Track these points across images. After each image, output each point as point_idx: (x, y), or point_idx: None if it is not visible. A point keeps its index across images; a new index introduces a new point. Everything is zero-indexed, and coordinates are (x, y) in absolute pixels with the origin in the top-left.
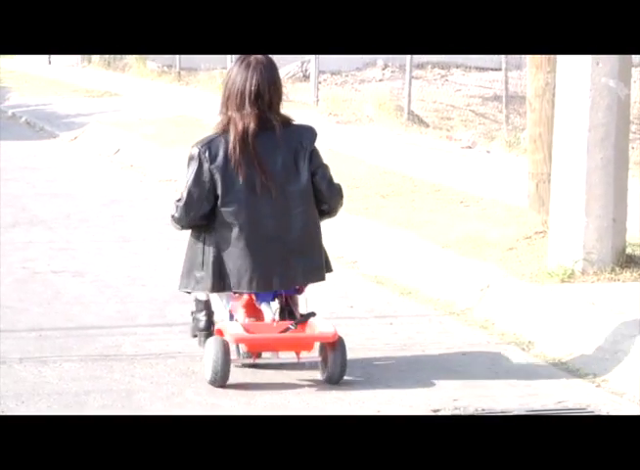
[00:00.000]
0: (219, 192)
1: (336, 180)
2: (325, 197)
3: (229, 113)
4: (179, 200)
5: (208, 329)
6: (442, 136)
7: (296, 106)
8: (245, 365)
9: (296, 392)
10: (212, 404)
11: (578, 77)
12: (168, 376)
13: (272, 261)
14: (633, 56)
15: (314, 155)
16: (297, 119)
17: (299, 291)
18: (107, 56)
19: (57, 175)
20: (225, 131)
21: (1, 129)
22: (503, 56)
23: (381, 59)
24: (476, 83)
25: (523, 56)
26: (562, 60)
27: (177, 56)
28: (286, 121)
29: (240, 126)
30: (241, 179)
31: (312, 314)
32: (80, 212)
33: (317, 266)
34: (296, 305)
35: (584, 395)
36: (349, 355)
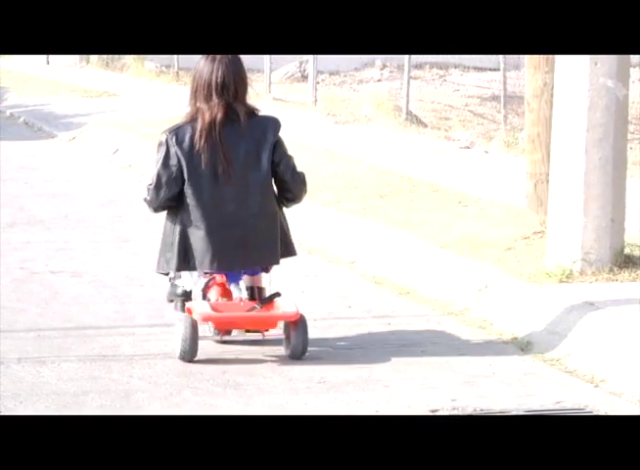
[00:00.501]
0: (185, 176)
1: (299, 170)
2: (289, 185)
3: (197, 104)
4: (150, 184)
5: (185, 295)
6: (441, 136)
7: (294, 106)
8: (215, 342)
9: (294, 392)
10: (210, 405)
11: (576, 77)
12: (167, 376)
13: (232, 243)
14: (631, 56)
15: (278, 145)
16: (297, 120)
17: (266, 271)
18: (105, 56)
19: (55, 175)
20: (193, 120)
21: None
22: (501, 56)
23: (379, 59)
24: (474, 83)
25: (521, 56)
26: (560, 60)
27: (175, 56)
28: (251, 112)
29: (207, 116)
30: (204, 165)
31: (277, 295)
32: (78, 213)
33: (274, 250)
34: (261, 286)
35: (582, 395)
36: (350, 355)
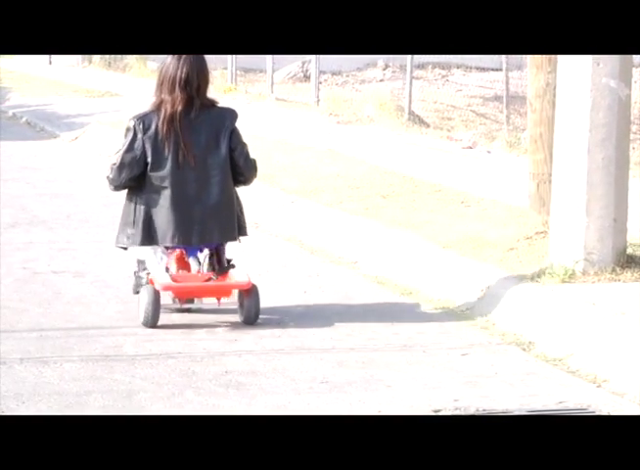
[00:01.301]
0: (149, 159)
1: (252, 156)
2: (242, 169)
3: (162, 95)
4: (114, 163)
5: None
6: (443, 136)
7: (296, 106)
8: (175, 310)
9: (296, 392)
10: (213, 405)
11: (579, 78)
12: (169, 376)
13: (192, 221)
14: (634, 56)
15: (234, 134)
16: (299, 120)
17: (233, 240)
18: (107, 56)
19: (57, 175)
20: (158, 110)
21: (1, 129)
22: (504, 56)
23: (381, 59)
24: (476, 83)
25: (523, 56)
26: (562, 60)
27: None
28: (211, 104)
29: (170, 107)
30: (167, 151)
31: (231, 266)
32: (81, 213)
33: (231, 227)
34: (220, 258)
35: (585, 395)
36: (353, 356)
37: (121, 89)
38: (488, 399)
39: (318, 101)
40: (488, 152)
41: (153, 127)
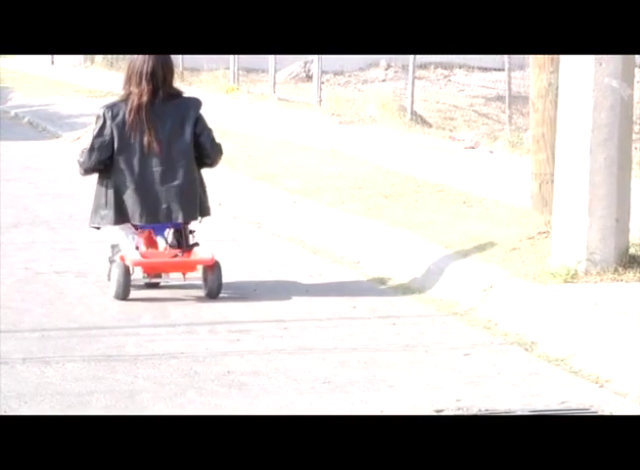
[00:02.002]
0: (116, 145)
1: (217, 141)
2: (209, 152)
3: (130, 88)
4: (85, 148)
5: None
6: (445, 136)
7: (298, 106)
8: (145, 285)
9: (299, 392)
10: (215, 405)
11: (581, 78)
12: (171, 376)
13: (158, 201)
14: (636, 56)
15: (199, 120)
16: (301, 120)
17: (187, 223)
18: (110, 56)
19: (59, 175)
20: (127, 100)
21: (4, 129)
22: (506, 56)
23: (384, 59)
24: (479, 83)
25: (525, 56)
26: (565, 60)
27: (180, 56)
28: (177, 94)
29: (137, 98)
30: (133, 137)
31: (196, 244)
32: (83, 213)
33: (194, 208)
34: (186, 237)
35: (587, 395)
36: (355, 356)
37: None
38: (491, 400)
39: (320, 101)
40: (491, 152)
41: (120, 115)
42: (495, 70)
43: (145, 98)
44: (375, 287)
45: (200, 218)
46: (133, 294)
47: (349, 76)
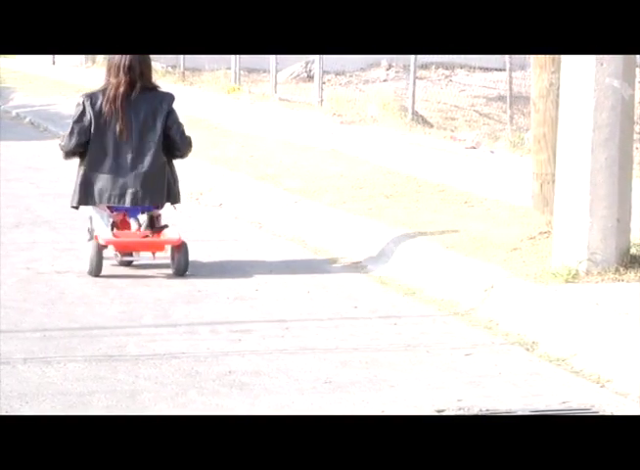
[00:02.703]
0: (92, 130)
1: (187, 134)
2: (178, 145)
3: (110, 79)
4: (65, 132)
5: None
6: (446, 136)
7: (300, 106)
8: (118, 263)
9: (300, 392)
10: (216, 405)
11: (582, 78)
12: (172, 376)
13: (126, 185)
14: (638, 56)
15: (171, 114)
16: (303, 120)
17: (159, 207)
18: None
19: (61, 175)
20: (106, 90)
21: (5, 130)
22: (507, 56)
23: (385, 59)
24: (480, 84)
25: (527, 56)
26: (566, 60)
27: (181, 56)
28: (152, 88)
29: (115, 89)
30: (108, 125)
31: (165, 226)
32: (84, 213)
33: (160, 194)
34: (157, 219)
35: (588, 395)
36: (356, 356)
37: None
38: (492, 399)
39: (321, 101)
40: (492, 152)
41: (98, 104)
42: (496, 70)
43: (122, 89)
44: (376, 287)
45: (174, 206)
46: (106, 271)
47: (351, 76)
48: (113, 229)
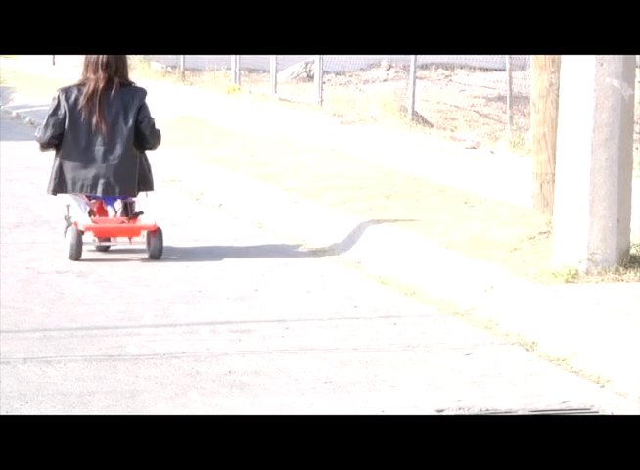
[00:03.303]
0: (67, 123)
1: (157, 127)
2: (148, 138)
3: (87, 75)
4: (41, 125)
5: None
6: (446, 136)
7: (300, 106)
8: (96, 248)
9: (300, 392)
10: (216, 405)
11: (582, 78)
12: (172, 376)
13: (98, 175)
14: (638, 56)
15: (143, 108)
16: (303, 120)
17: (133, 195)
18: None
19: None
20: (82, 85)
21: (5, 130)
22: (507, 56)
23: (385, 59)
24: (480, 84)
25: (527, 56)
26: (566, 60)
27: (181, 56)
28: (127, 83)
29: (93, 84)
30: (83, 118)
31: (141, 213)
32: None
33: (131, 184)
34: (132, 207)
35: (588, 395)
36: (356, 356)
37: None
38: (492, 399)
39: (322, 101)
40: (492, 152)
41: (74, 98)
42: (496, 70)
43: (100, 85)
44: (376, 287)
45: (146, 194)
46: (86, 255)
47: (351, 77)
48: (90, 216)
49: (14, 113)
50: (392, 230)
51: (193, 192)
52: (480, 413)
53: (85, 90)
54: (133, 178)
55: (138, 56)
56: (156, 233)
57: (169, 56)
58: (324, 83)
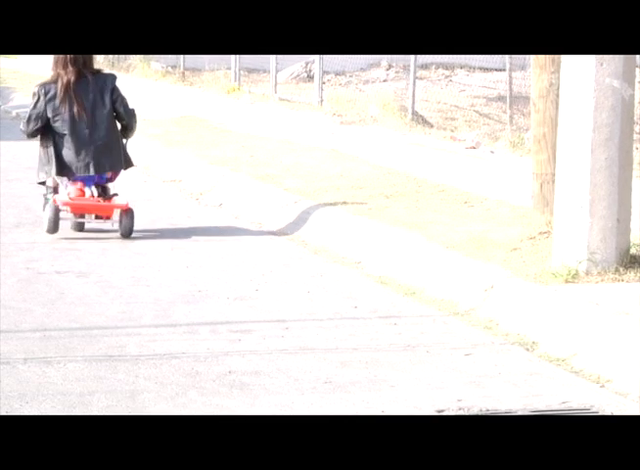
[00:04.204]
0: (50, 115)
1: (131, 107)
2: (123, 116)
3: (58, 70)
4: (24, 118)
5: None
6: (446, 136)
7: (300, 106)
8: (72, 225)
9: (300, 392)
10: (216, 405)
11: (582, 78)
12: (172, 376)
13: (87, 157)
14: (638, 56)
15: (115, 91)
16: (303, 120)
17: (111, 180)
18: (111, 56)
19: None
20: (57, 80)
21: (5, 130)
22: (507, 56)
23: (385, 59)
24: (480, 84)
25: (527, 56)
26: (566, 60)
27: (181, 56)
28: (96, 72)
29: (65, 78)
30: (64, 109)
31: (115, 194)
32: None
33: (118, 161)
34: (108, 189)
35: (588, 395)
36: (356, 356)
37: (125, 89)
38: (492, 400)
39: (322, 101)
40: (492, 152)
41: (52, 92)
42: (496, 70)
43: (72, 77)
44: (376, 287)
45: (128, 169)
46: (62, 233)
47: (351, 77)
48: (69, 196)
49: (14, 113)
50: (392, 230)
51: (193, 192)
52: (480, 413)
53: (59, 84)
54: (119, 155)
55: (138, 56)
56: (127, 212)
57: (169, 56)
58: (324, 83)
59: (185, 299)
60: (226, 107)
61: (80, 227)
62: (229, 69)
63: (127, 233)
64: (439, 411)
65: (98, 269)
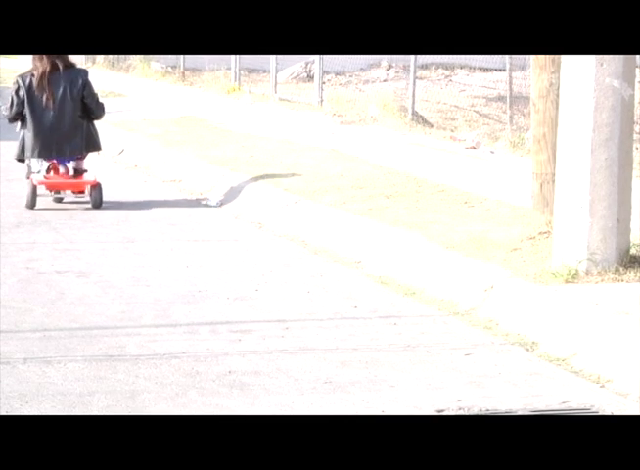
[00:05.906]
0: (26, 102)
1: (101, 100)
2: (93, 110)
3: (36, 63)
4: (7, 104)
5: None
6: (446, 136)
7: (300, 106)
8: (52, 200)
9: (300, 392)
10: (216, 405)
11: (582, 78)
12: (172, 376)
13: (52, 141)
14: (638, 56)
15: (87, 85)
16: (303, 120)
17: (82, 158)
18: (111, 56)
19: None
20: (33, 71)
21: (5, 130)
22: (507, 56)
23: (385, 59)
24: (480, 84)
25: (527, 56)
26: (566, 60)
27: (181, 56)
28: (70, 65)
29: (41, 69)
30: (37, 97)
31: (85, 171)
32: (84, 213)
33: (79, 147)
34: (80, 167)
35: (588, 395)
36: (356, 356)
37: (125, 89)
38: (492, 400)
39: (322, 101)
40: (492, 152)
41: (29, 82)
42: (496, 70)
43: (47, 69)
44: (376, 287)
45: (97, 152)
46: (38, 204)
47: (351, 77)
48: (49, 173)
49: None
50: (392, 230)
51: (193, 192)
52: (480, 413)
53: (37, 75)
54: (80, 142)
55: (138, 56)
56: (96, 187)
57: (169, 56)
58: (324, 83)
59: (185, 299)
60: (226, 107)
61: (59, 200)
62: (229, 69)
63: (97, 204)
64: (439, 411)
65: (98, 269)
